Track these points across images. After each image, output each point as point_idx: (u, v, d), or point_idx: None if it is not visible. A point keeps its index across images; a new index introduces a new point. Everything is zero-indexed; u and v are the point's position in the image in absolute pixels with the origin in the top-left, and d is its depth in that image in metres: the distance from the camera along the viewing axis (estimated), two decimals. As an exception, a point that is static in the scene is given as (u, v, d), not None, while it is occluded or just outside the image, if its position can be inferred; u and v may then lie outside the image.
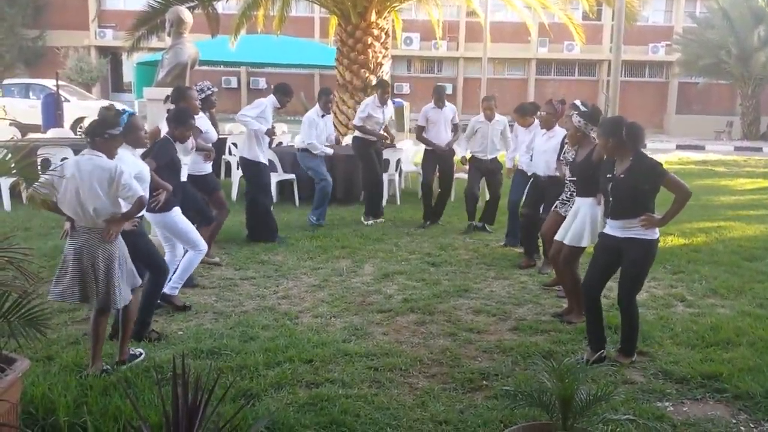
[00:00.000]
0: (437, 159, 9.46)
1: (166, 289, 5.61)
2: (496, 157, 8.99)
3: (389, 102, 9.77)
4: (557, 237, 5.78)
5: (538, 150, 7.20)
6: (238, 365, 4.53)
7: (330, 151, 9.23)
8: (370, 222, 9.48)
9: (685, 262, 7.57)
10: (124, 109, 4.82)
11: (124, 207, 4.35)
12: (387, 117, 9.70)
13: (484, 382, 4.45)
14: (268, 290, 6.36)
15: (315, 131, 9.02)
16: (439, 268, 7.28)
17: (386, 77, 13.24)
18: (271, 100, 8.29)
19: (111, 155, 4.34)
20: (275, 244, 7.96)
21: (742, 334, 5.31)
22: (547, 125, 7.07)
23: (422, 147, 9.61)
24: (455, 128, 9.46)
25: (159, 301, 5.40)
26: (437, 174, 9.67)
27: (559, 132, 6.84)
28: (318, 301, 6.06)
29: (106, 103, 18.17)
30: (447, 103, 9.46)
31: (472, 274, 7.07)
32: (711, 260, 7.69)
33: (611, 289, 5.36)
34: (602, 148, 4.79)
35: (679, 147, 24.94)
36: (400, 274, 6.95)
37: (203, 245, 5.82)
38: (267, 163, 8.38)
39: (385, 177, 10.80)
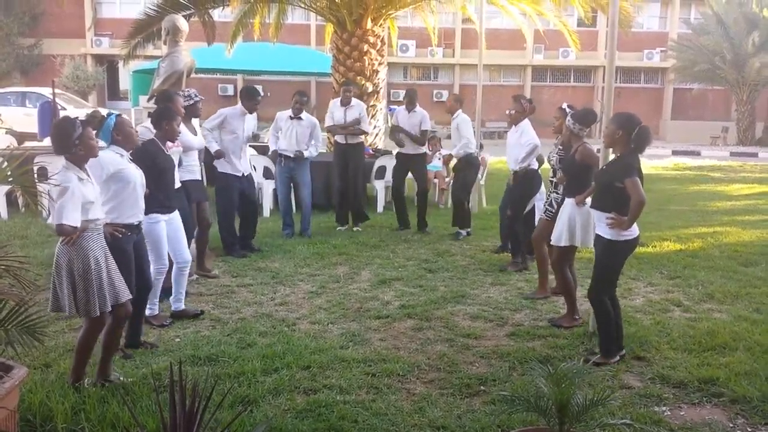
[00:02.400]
0: (407, 164, 9.42)
1: (146, 311, 5.43)
2: (463, 156, 8.88)
3: (357, 104, 9.33)
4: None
5: (508, 146, 7.54)
6: (235, 372, 4.52)
7: (271, 148, 8.71)
8: (339, 228, 9.43)
9: (682, 267, 7.59)
10: (109, 113, 4.76)
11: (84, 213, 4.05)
12: (349, 118, 9.20)
13: (482, 387, 4.46)
14: (266, 297, 6.36)
15: (278, 131, 8.69)
16: (436, 274, 7.29)
17: (382, 84, 13.27)
18: (237, 108, 7.88)
19: (91, 154, 4.19)
20: (269, 251, 7.95)
21: (738, 338, 5.32)
22: (515, 122, 7.43)
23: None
24: (423, 134, 9.32)
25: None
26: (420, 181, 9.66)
27: (521, 127, 7.34)
28: (315, 308, 6.06)
29: (102, 110, 18.19)
30: (419, 109, 9.32)
31: (468, 280, 7.08)
32: (707, 265, 7.71)
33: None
34: (608, 136, 4.88)
35: (674, 153, 25.04)
36: (397, 281, 6.96)
37: (164, 263, 5.48)
38: (237, 175, 7.80)
39: (381, 184, 10.84)
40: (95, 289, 4.05)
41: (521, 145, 7.23)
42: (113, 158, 4.64)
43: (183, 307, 5.80)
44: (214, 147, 7.67)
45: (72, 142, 4.07)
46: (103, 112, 5.23)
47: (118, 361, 4.66)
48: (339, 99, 9.40)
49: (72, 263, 4.01)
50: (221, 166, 7.81)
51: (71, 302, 4.03)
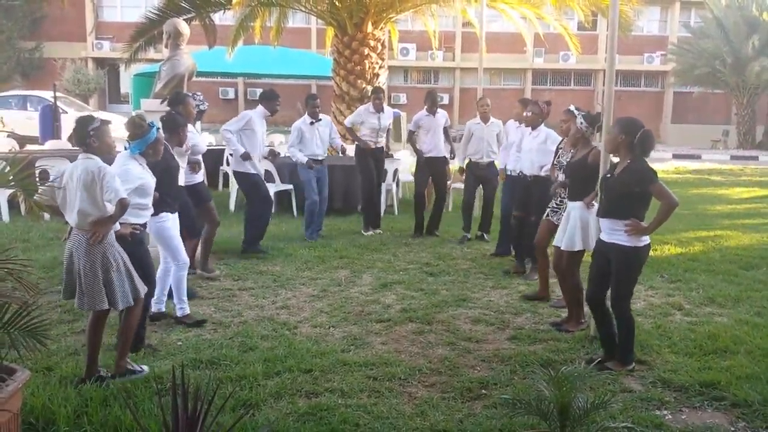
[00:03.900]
0: (429, 167, 9.42)
1: (177, 312, 5.63)
2: (492, 162, 8.95)
3: (387, 109, 9.63)
4: (555, 243, 5.83)
5: (524, 149, 7.43)
6: (237, 375, 4.53)
7: (303, 158, 8.70)
8: (369, 233, 9.44)
9: (683, 271, 7.60)
10: (152, 122, 4.89)
11: (111, 210, 4.28)
12: (384, 124, 9.53)
13: (483, 391, 4.46)
14: (267, 300, 6.36)
15: (300, 139, 8.78)
16: (438, 277, 7.29)
17: (383, 88, 13.28)
18: (259, 110, 8.11)
19: (104, 150, 4.33)
20: (271, 255, 7.96)
21: (739, 342, 5.33)
22: (533, 125, 7.32)
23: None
24: (446, 132, 9.38)
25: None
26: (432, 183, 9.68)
27: (543, 131, 7.19)
28: (317, 311, 6.06)
29: (104, 114, 18.21)
30: (440, 110, 9.36)
31: (470, 283, 7.08)
32: (708, 269, 7.71)
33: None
34: (609, 141, 4.87)
35: (675, 156, 25.03)
36: (398, 284, 6.96)
37: (183, 258, 5.65)
38: (259, 173, 8.13)
39: (383, 187, 10.83)
40: (126, 279, 4.31)
41: (547, 151, 6.99)
42: (139, 171, 4.80)
43: (164, 309, 5.80)
44: (240, 149, 7.84)
45: (87, 132, 4.25)
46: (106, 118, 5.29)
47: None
48: (370, 105, 9.49)
49: (107, 259, 4.21)
50: (246, 168, 7.94)
51: (112, 295, 4.25)
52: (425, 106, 9.29)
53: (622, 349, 4.85)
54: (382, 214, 10.60)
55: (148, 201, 4.89)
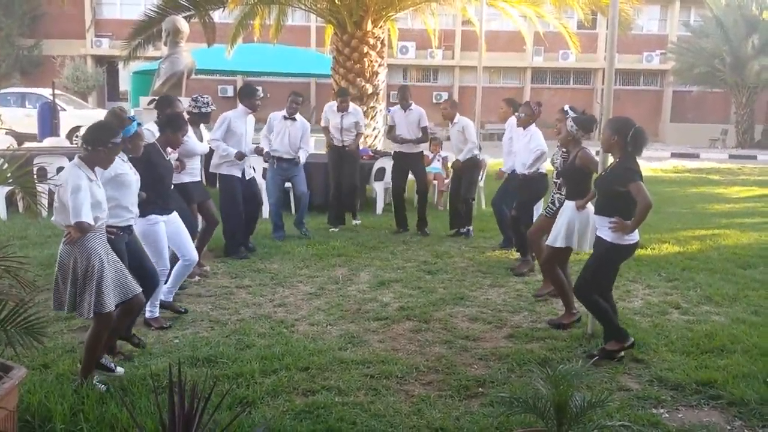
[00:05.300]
0: (406, 164, 9.39)
1: (146, 314, 5.44)
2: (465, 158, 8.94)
3: (352, 109, 9.42)
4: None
5: (516, 149, 7.60)
6: (234, 373, 4.53)
7: (265, 148, 8.46)
8: (333, 229, 9.46)
9: (680, 270, 7.60)
10: (133, 117, 4.82)
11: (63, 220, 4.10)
12: (347, 123, 9.30)
13: (480, 389, 4.47)
14: (264, 298, 6.36)
15: (271, 131, 8.58)
16: (435, 275, 7.30)
17: (382, 86, 13.29)
18: (239, 109, 7.83)
19: (98, 164, 4.24)
20: (268, 252, 7.95)
21: (736, 341, 5.33)
22: (524, 125, 7.47)
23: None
24: (424, 131, 9.29)
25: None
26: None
27: (530, 132, 7.38)
28: (314, 309, 6.06)
29: (102, 112, 18.19)
30: (415, 106, 9.27)
31: (467, 281, 7.09)
32: (706, 268, 7.72)
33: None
34: (604, 141, 4.94)
35: (674, 155, 25.05)
36: (396, 282, 6.96)
37: (165, 264, 5.48)
38: (239, 177, 7.71)
39: (381, 185, 10.84)
40: (94, 290, 4.08)
41: (530, 151, 7.24)
42: (115, 162, 4.65)
43: (171, 300, 5.83)
44: (232, 152, 7.57)
45: (106, 141, 4.16)
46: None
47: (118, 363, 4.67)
48: (335, 104, 9.44)
49: (76, 263, 4.06)
50: (224, 169, 7.71)
51: (71, 301, 4.09)
52: (398, 101, 9.34)
53: (610, 330, 4.96)
54: (380, 211, 10.62)
55: (123, 197, 4.69)
